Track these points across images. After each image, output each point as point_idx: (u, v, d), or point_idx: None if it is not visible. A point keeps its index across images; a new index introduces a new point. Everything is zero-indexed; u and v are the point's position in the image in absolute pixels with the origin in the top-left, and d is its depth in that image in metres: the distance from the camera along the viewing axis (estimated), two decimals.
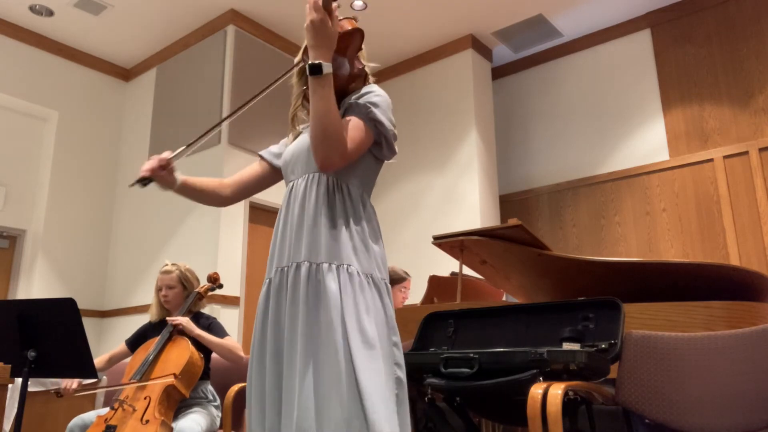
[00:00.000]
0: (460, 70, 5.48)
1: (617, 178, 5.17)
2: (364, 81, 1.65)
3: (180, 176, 1.63)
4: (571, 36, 5.59)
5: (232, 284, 4.60)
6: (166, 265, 2.83)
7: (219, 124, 1.67)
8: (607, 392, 1.78)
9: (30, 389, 3.14)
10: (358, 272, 1.41)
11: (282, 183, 1.66)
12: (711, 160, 4.74)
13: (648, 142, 5.09)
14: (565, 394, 1.56)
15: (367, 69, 1.65)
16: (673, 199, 4.86)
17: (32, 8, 4.93)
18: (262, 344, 1.46)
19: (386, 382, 1.32)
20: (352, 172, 1.53)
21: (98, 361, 2.81)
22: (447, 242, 2.96)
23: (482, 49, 5.62)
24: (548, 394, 1.53)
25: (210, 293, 2.86)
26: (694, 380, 1.75)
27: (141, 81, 5.77)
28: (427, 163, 5.50)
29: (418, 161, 5.57)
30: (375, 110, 1.51)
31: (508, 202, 5.75)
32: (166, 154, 1.59)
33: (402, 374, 1.40)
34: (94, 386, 2.64)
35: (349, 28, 1.56)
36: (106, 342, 5.26)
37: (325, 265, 1.40)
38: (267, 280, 1.52)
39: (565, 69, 5.70)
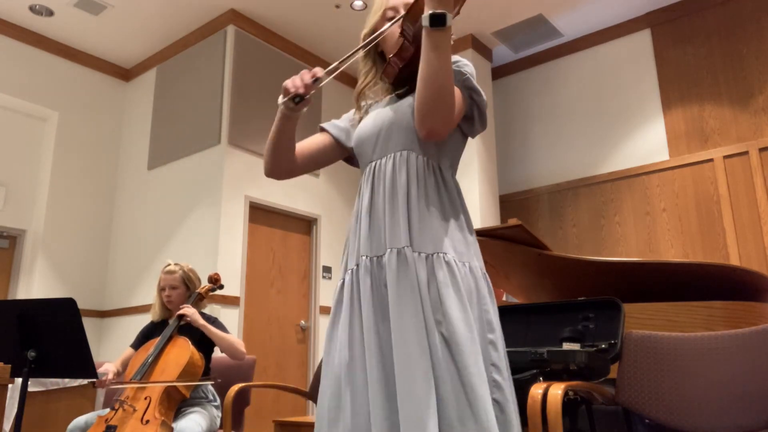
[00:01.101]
0: None
1: (617, 178, 5.17)
2: None
3: None
4: (571, 36, 5.59)
5: (232, 284, 4.60)
6: (169, 265, 2.83)
7: (368, 43, 1.45)
8: (607, 392, 1.78)
9: (30, 389, 3.15)
10: (456, 261, 1.27)
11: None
12: (711, 160, 4.74)
13: (648, 142, 5.09)
14: (565, 394, 1.56)
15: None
16: (673, 199, 4.86)
17: (32, 8, 4.93)
18: (355, 343, 1.28)
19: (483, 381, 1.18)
20: (443, 150, 1.39)
21: (117, 365, 2.80)
22: None
23: (482, 49, 5.62)
24: (548, 394, 1.53)
25: (211, 293, 2.87)
26: (694, 380, 1.75)
27: (141, 81, 5.77)
28: None
29: None
30: (470, 77, 1.37)
31: (508, 202, 5.75)
32: (317, 70, 1.36)
33: (499, 377, 1.23)
34: (122, 382, 2.62)
35: None
36: (106, 342, 5.26)
37: (419, 255, 1.26)
38: (348, 271, 1.36)
39: (565, 69, 5.70)
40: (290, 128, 1.43)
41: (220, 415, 2.66)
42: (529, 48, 5.75)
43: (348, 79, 5.89)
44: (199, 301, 2.81)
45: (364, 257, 1.32)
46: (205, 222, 4.71)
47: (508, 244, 2.76)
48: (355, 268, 1.34)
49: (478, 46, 5.55)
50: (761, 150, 4.54)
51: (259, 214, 5.01)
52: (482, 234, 2.82)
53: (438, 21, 1.21)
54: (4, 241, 5.00)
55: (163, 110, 5.42)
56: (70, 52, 5.47)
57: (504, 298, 3.87)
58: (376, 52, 1.52)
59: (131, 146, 5.66)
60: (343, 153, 1.56)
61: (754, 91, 4.66)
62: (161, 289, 2.80)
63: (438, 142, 1.37)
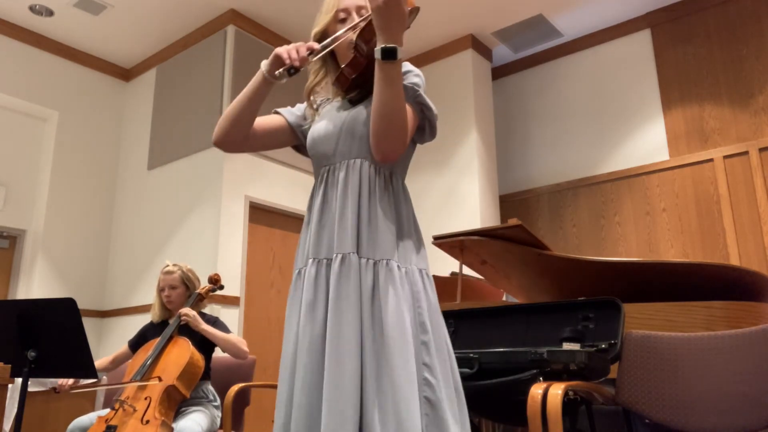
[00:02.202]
0: (460, 70, 5.48)
1: (617, 178, 5.17)
2: None
3: None
4: (571, 36, 5.59)
5: (232, 284, 4.60)
6: (168, 265, 2.84)
7: (354, 26, 1.47)
8: (607, 392, 1.78)
9: (30, 389, 3.15)
10: (398, 267, 1.34)
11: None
12: (711, 160, 4.74)
13: (648, 142, 5.09)
14: (565, 394, 1.56)
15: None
16: (673, 199, 4.86)
17: (32, 8, 4.93)
18: (291, 342, 1.37)
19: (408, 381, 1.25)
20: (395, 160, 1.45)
21: (101, 362, 2.81)
22: (447, 242, 2.96)
23: (482, 49, 5.62)
24: (548, 394, 1.53)
25: (211, 294, 2.87)
26: (694, 380, 1.75)
27: (141, 81, 5.77)
28: (427, 163, 5.50)
29: (418, 161, 5.56)
30: (421, 92, 1.43)
31: (508, 202, 5.75)
32: (312, 44, 1.41)
33: (431, 376, 1.29)
34: (90, 384, 2.64)
35: (408, 7, 1.37)
36: (106, 342, 5.26)
37: (364, 260, 1.34)
38: (297, 271, 1.43)
39: (565, 69, 5.70)
40: (261, 97, 1.46)
41: (220, 415, 2.66)
42: (529, 48, 5.75)
43: None
44: (199, 301, 2.81)
45: (310, 260, 1.39)
46: (205, 222, 4.71)
47: (508, 244, 2.76)
48: (303, 268, 1.42)
49: (478, 46, 5.55)
50: (761, 150, 4.54)
51: (259, 214, 5.01)
52: (482, 234, 2.82)
53: (389, 55, 1.27)
54: (4, 241, 5.00)
55: (163, 110, 5.42)
56: (70, 52, 5.47)
57: (504, 298, 3.87)
58: (327, 52, 1.56)
59: (131, 146, 5.66)
60: (293, 140, 1.61)
61: (754, 91, 4.66)
62: (161, 290, 2.80)
63: None
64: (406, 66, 1.46)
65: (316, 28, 1.54)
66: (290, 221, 5.26)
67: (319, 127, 1.51)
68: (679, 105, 4.99)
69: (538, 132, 5.77)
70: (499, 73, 6.07)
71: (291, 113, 1.62)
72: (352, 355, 1.26)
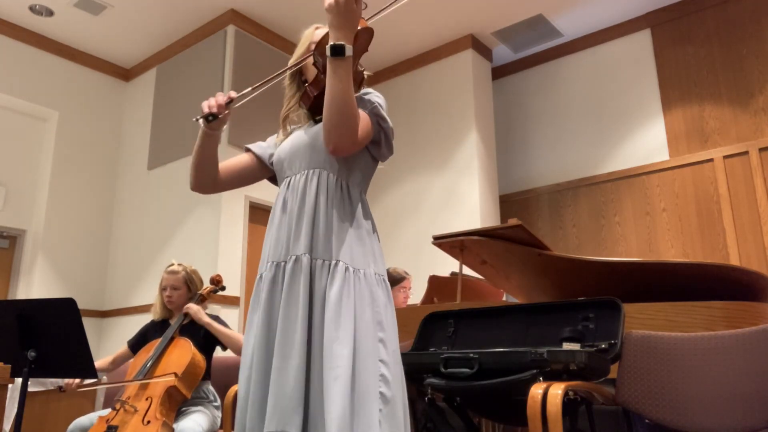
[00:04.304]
0: (460, 70, 5.48)
1: (617, 178, 5.18)
2: (359, 86, 1.62)
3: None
4: (571, 36, 5.59)
5: (232, 284, 4.60)
6: (172, 265, 2.82)
7: (283, 72, 1.62)
8: (607, 392, 1.78)
9: (30, 389, 3.15)
10: (348, 267, 1.40)
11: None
12: (711, 160, 4.74)
13: (648, 142, 5.09)
14: (565, 394, 1.56)
15: (364, 74, 1.63)
16: (673, 199, 4.86)
17: (32, 8, 4.93)
18: (250, 344, 1.44)
19: (351, 379, 1.30)
20: (351, 170, 1.53)
21: (101, 362, 2.80)
22: (447, 242, 2.96)
23: (482, 49, 5.62)
24: (548, 394, 1.53)
25: (213, 295, 2.86)
26: (694, 380, 1.75)
27: (141, 81, 5.77)
28: (427, 163, 5.50)
29: (418, 161, 5.57)
30: (378, 107, 1.51)
31: (508, 202, 5.75)
32: (233, 93, 1.54)
33: (387, 371, 1.35)
34: (96, 383, 2.63)
35: (359, 27, 1.49)
36: (106, 342, 5.26)
37: (319, 261, 1.40)
38: (259, 275, 1.50)
39: (565, 69, 5.70)
40: (210, 146, 1.58)
41: (220, 415, 2.66)
42: (529, 48, 5.75)
43: None
44: (200, 302, 2.80)
45: (269, 263, 1.47)
46: (205, 222, 4.71)
47: (508, 244, 2.76)
48: (264, 272, 1.48)
49: (478, 46, 5.55)
50: (761, 150, 4.54)
51: (259, 214, 5.01)
52: (482, 234, 2.82)
53: (337, 51, 1.37)
54: (4, 241, 5.00)
55: (163, 110, 5.42)
56: (70, 52, 5.47)
57: (504, 298, 3.87)
58: (301, 81, 1.66)
59: (131, 146, 5.66)
60: (265, 173, 1.71)
61: (754, 91, 4.66)
62: (162, 289, 2.80)
63: (347, 163, 1.51)
64: (370, 90, 1.57)
65: (291, 60, 1.64)
66: None
67: (283, 146, 1.61)
68: (679, 105, 4.99)
69: (538, 132, 5.77)
70: (499, 73, 6.07)
71: (259, 146, 1.70)
72: (296, 351, 1.32)
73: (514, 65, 6.00)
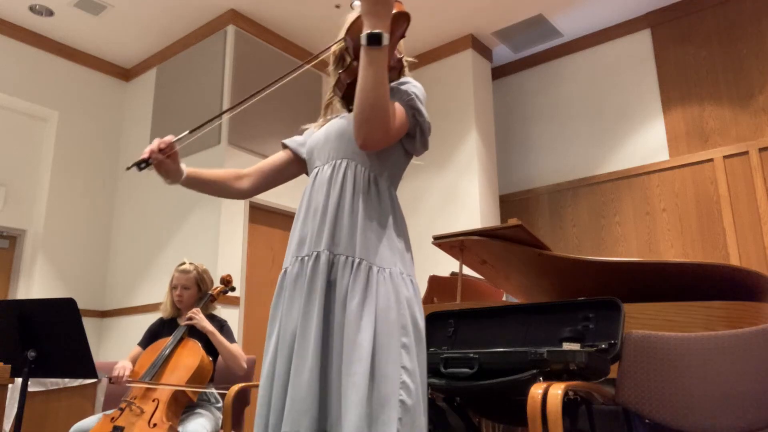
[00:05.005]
0: (460, 70, 5.48)
1: (617, 178, 5.17)
2: (399, 74, 1.54)
3: (185, 167, 1.50)
4: (571, 36, 5.59)
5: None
6: (184, 264, 2.81)
7: (229, 110, 1.62)
8: (607, 392, 1.78)
9: (30, 389, 3.14)
10: (372, 266, 1.34)
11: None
12: (711, 160, 4.74)
13: (648, 142, 5.09)
14: (565, 394, 1.56)
15: (404, 61, 1.55)
16: (673, 199, 4.86)
17: (32, 8, 4.93)
18: (273, 341, 1.38)
19: (369, 386, 1.24)
20: (383, 164, 1.45)
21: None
22: (447, 242, 2.96)
23: (482, 49, 5.62)
24: (548, 394, 1.53)
25: (222, 295, 2.86)
26: (694, 380, 1.75)
27: (141, 81, 5.77)
28: (426, 163, 5.50)
29: (417, 161, 5.56)
30: (416, 99, 1.44)
31: (508, 202, 5.75)
32: (169, 138, 1.46)
33: (409, 379, 1.28)
34: (129, 380, 2.58)
35: (395, 10, 1.37)
36: (106, 342, 5.26)
37: (342, 258, 1.34)
38: (282, 270, 1.45)
39: (565, 69, 5.70)
40: (193, 186, 1.54)
41: (221, 416, 2.66)
42: (529, 48, 5.75)
43: None
44: (210, 302, 2.80)
45: (293, 258, 1.41)
46: (205, 222, 4.71)
47: (508, 244, 2.76)
48: (288, 268, 1.42)
49: (478, 46, 5.55)
50: (761, 150, 4.54)
51: (259, 214, 5.01)
52: (482, 234, 2.82)
53: (373, 40, 1.28)
54: (4, 241, 5.00)
55: (163, 110, 5.42)
56: (70, 52, 5.47)
57: (504, 298, 3.87)
58: (342, 67, 1.59)
59: (131, 146, 5.66)
60: (303, 167, 1.64)
61: (754, 91, 4.66)
62: (173, 287, 2.78)
63: (379, 155, 1.44)
64: (407, 78, 1.49)
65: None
66: (290, 221, 5.26)
67: (315, 135, 1.55)
68: (679, 105, 4.99)
69: (538, 132, 5.77)
70: (499, 73, 6.07)
71: (294, 141, 1.64)
72: (313, 351, 1.28)
73: (514, 65, 6.00)
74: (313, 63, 1.53)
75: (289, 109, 5.20)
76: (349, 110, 1.54)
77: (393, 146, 1.45)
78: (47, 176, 5.19)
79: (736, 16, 4.84)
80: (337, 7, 4.96)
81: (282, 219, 5.20)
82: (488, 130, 5.49)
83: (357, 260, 1.34)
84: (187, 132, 1.53)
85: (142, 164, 1.42)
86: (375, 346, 1.27)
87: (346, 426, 1.21)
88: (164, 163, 1.45)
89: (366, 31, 1.29)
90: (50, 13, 4.99)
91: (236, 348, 2.63)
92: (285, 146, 1.65)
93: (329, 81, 1.58)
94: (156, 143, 1.44)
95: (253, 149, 4.90)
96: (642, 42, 5.28)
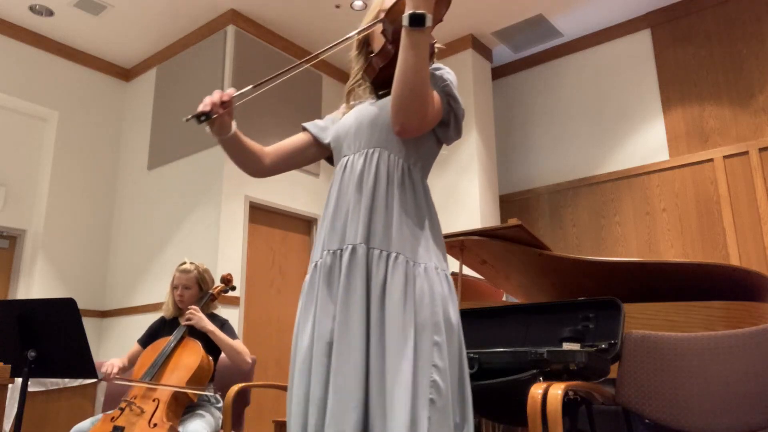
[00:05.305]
0: (460, 70, 5.48)
1: (617, 178, 5.17)
2: (430, 60, 1.48)
3: (235, 125, 1.44)
4: (571, 36, 5.59)
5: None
6: (185, 263, 2.80)
7: (299, 65, 1.49)
8: (607, 392, 1.78)
9: (30, 389, 3.14)
10: (410, 262, 1.30)
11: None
12: (711, 160, 4.74)
13: (648, 142, 5.09)
14: (565, 394, 1.56)
15: (435, 47, 1.52)
16: (673, 199, 4.86)
17: (32, 8, 4.92)
18: (307, 336, 1.33)
19: (412, 384, 1.21)
20: (416, 153, 1.41)
21: (123, 360, 2.78)
22: (447, 242, 2.96)
23: (482, 49, 5.62)
24: (548, 394, 1.53)
25: (223, 294, 2.85)
26: (694, 380, 1.75)
27: (141, 81, 5.77)
28: None
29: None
30: (450, 85, 1.39)
31: (508, 202, 5.75)
32: (231, 91, 1.39)
33: (440, 378, 1.23)
34: (129, 379, 2.58)
35: None
36: (106, 342, 5.26)
37: (376, 252, 1.29)
38: (312, 264, 1.40)
39: (565, 69, 5.70)
40: (231, 148, 1.48)
41: (221, 416, 2.65)
42: (529, 48, 5.75)
43: (348, 78, 5.88)
44: (211, 301, 2.80)
45: (325, 251, 1.36)
46: (205, 222, 4.71)
47: (508, 244, 2.76)
48: (318, 261, 1.38)
49: (478, 46, 5.55)
50: (761, 150, 4.54)
51: (259, 214, 5.01)
52: (482, 234, 2.82)
53: (417, 21, 1.22)
54: (4, 241, 5.00)
55: (163, 110, 5.42)
56: (70, 52, 5.47)
57: (504, 298, 3.87)
58: (368, 52, 1.54)
59: (131, 146, 5.66)
60: (322, 152, 1.59)
61: (754, 91, 4.66)
62: (174, 287, 2.77)
63: (412, 144, 1.39)
64: (441, 65, 1.44)
65: (362, 25, 1.51)
66: (290, 221, 5.26)
67: (343, 121, 1.49)
68: (679, 105, 4.99)
69: (538, 132, 5.77)
70: (499, 73, 6.07)
71: (315, 125, 1.59)
72: (356, 349, 1.24)
73: (514, 65, 6.00)
74: (345, 45, 1.47)
75: (289, 109, 5.20)
76: (379, 96, 1.50)
77: (426, 135, 1.40)
78: (47, 176, 5.19)
79: (736, 16, 4.84)
80: (337, 7, 4.96)
81: (282, 219, 5.20)
82: (488, 130, 5.49)
83: (393, 254, 1.29)
84: (250, 87, 1.47)
85: (202, 117, 1.37)
86: (403, 345, 1.25)
87: (395, 425, 1.18)
88: (221, 118, 1.40)
89: (409, 10, 1.23)
90: (50, 13, 4.99)
91: (239, 344, 2.62)
92: (305, 129, 1.59)
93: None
94: (217, 96, 1.38)
95: None
96: (642, 42, 5.28)
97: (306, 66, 1.52)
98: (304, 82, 5.40)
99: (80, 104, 5.52)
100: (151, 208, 5.22)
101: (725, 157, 4.68)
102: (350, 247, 1.31)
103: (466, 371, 1.34)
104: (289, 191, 5.17)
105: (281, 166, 1.56)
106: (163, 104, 5.43)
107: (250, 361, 2.64)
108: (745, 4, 4.81)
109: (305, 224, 5.39)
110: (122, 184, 5.63)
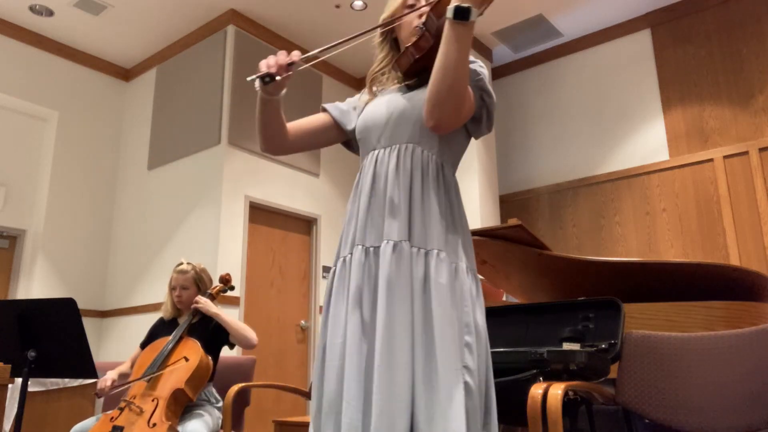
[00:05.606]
0: None
1: (617, 178, 5.17)
2: None
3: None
4: (571, 36, 5.59)
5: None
6: (182, 264, 2.81)
7: (362, 34, 1.43)
8: (607, 392, 1.78)
9: (30, 389, 3.14)
10: (447, 261, 1.28)
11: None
12: (711, 160, 4.74)
13: (648, 142, 5.09)
14: (565, 394, 1.56)
15: None
16: (673, 199, 4.86)
17: (32, 8, 4.93)
18: (340, 332, 1.29)
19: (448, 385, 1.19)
20: (448, 149, 1.38)
21: (124, 366, 2.78)
22: None
23: (482, 49, 5.62)
24: (548, 394, 1.53)
25: (222, 294, 2.85)
26: (694, 380, 1.75)
27: (141, 81, 5.77)
28: None
29: None
30: (484, 78, 1.37)
31: (508, 202, 5.75)
32: (296, 54, 1.35)
33: (471, 379, 1.22)
34: (124, 383, 2.59)
35: None
36: (106, 342, 5.26)
37: (415, 249, 1.27)
38: (341, 259, 1.36)
39: (565, 69, 5.70)
40: (270, 111, 1.42)
41: (221, 416, 2.66)
42: (529, 48, 5.75)
43: (348, 78, 5.89)
44: (209, 301, 2.80)
45: (359, 246, 1.32)
46: (205, 222, 4.71)
47: (508, 244, 2.76)
48: (348, 256, 1.34)
49: (478, 46, 5.55)
50: (761, 150, 4.54)
51: (259, 214, 5.01)
52: (482, 234, 2.82)
53: (463, 14, 1.21)
54: (4, 241, 5.00)
55: (163, 110, 5.42)
56: (70, 52, 5.47)
57: (504, 298, 3.87)
58: (392, 39, 1.51)
59: (131, 146, 5.66)
60: (340, 136, 1.55)
61: (754, 91, 4.66)
62: (172, 288, 2.78)
63: (444, 140, 1.37)
64: (472, 58, 1.40)
65: (385, 14, 1.48)
66: (290, 221, 5.26)
67: (374, 111, 1.44)
68: (679, 105, 4.99)
69: (538, 132, 5.77)
70: (499, 73, 6.07)
71: (337, 108, 1.54)
72: (404, 347, 1.21)
73: (514, 65, 6.00)
74: (391, 26, 1.45)
75: (289, 109, 5.19)
76: (407, 86, 1.46)
77: (457, 130, 1.38)
78: (47, 176, 5.19)
79: (736, 16, 4.84)
80: (337, 7, 4.96)
81: (282, 219, 5.20)
82: None
83: (435, 251, 1.27)
84: (317, 50, 1.43)
85: (266, 78, 1.33)
86: (450, 343, 1.23)
87: (452, 425, 1.16)
88: (283, 81, 1.36)
89: (455, 3, 1.21)
90: (50, 13, 4.99)
91: (245, 326, 2.65)
92: (325, 110, 1.55)
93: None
94: (283, 58, 1.34)
95: (253, 149, 4.90)
96: (642, 42, 5.28)
97: (372, 34, 1.48)
98: (304, 82, 5.40)
99: (80, 104, 5.52)
100: (151, 208, 5.22)
101: (725, 157, 4.68)
102: (391, 243, 1.27)
103: (491, 379, 1.31)
104: (289, 191, 5.17)
105: (301, 144, 1.51)
106: (163, 104, 5.43)
107: (255, 339, 2.66)
108: (745, 4, 4.81)
109: (305, 224, 5.39)
110: (122, 184, 5.63)
